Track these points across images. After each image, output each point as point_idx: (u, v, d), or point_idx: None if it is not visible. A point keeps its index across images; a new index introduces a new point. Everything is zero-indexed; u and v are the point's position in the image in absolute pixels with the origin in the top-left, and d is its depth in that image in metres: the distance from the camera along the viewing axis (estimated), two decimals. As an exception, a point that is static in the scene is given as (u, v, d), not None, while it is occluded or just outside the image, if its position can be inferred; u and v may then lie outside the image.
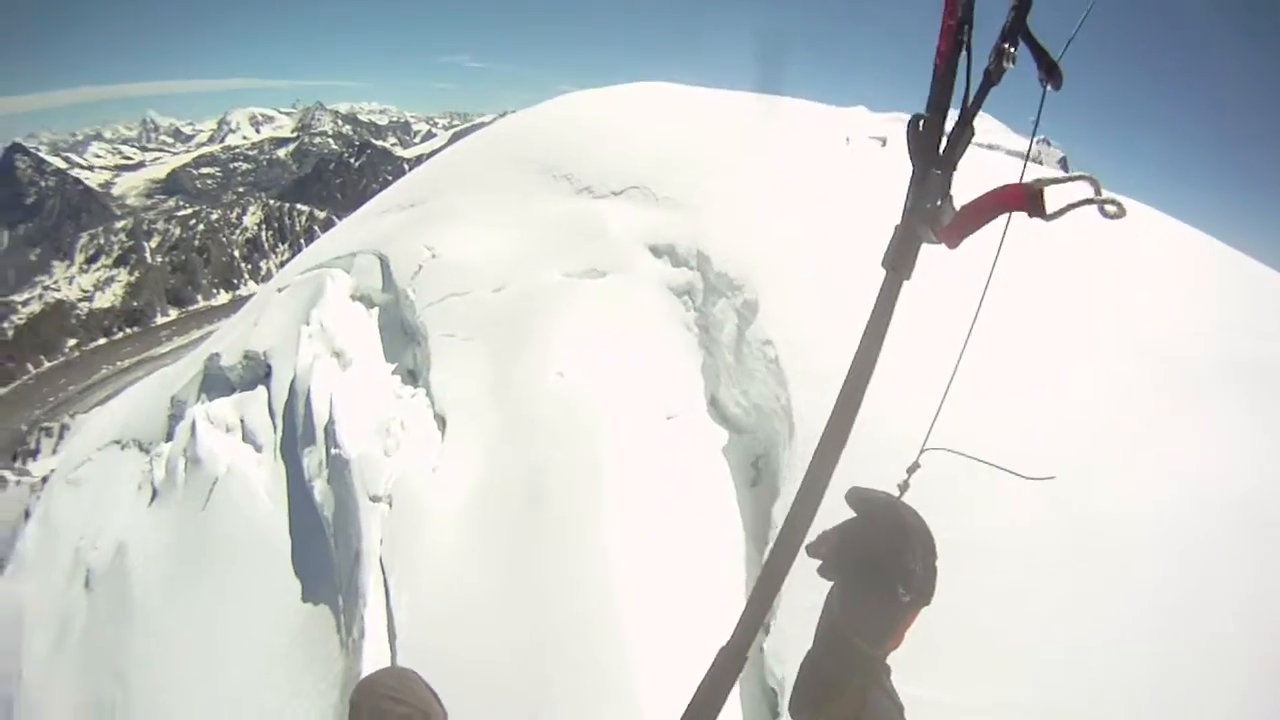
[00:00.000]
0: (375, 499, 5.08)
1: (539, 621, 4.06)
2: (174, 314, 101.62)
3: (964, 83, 0.72)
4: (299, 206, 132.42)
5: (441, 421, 5.73)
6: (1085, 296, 5.93)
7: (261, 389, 7.52)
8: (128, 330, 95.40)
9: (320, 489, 5.81)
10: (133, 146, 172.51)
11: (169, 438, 8.15)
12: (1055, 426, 4.56)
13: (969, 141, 0.76)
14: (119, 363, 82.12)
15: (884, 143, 9.38)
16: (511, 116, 14.21)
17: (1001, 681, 3.46)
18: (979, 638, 3.54)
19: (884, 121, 11.44)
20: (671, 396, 5.59)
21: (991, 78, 0.71)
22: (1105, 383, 5.00)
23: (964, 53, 0.71)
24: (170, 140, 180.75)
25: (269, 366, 7.56)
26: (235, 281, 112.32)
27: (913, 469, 0.93)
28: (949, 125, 0.75)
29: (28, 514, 10.78)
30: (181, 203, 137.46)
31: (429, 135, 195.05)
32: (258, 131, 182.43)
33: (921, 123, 0.76)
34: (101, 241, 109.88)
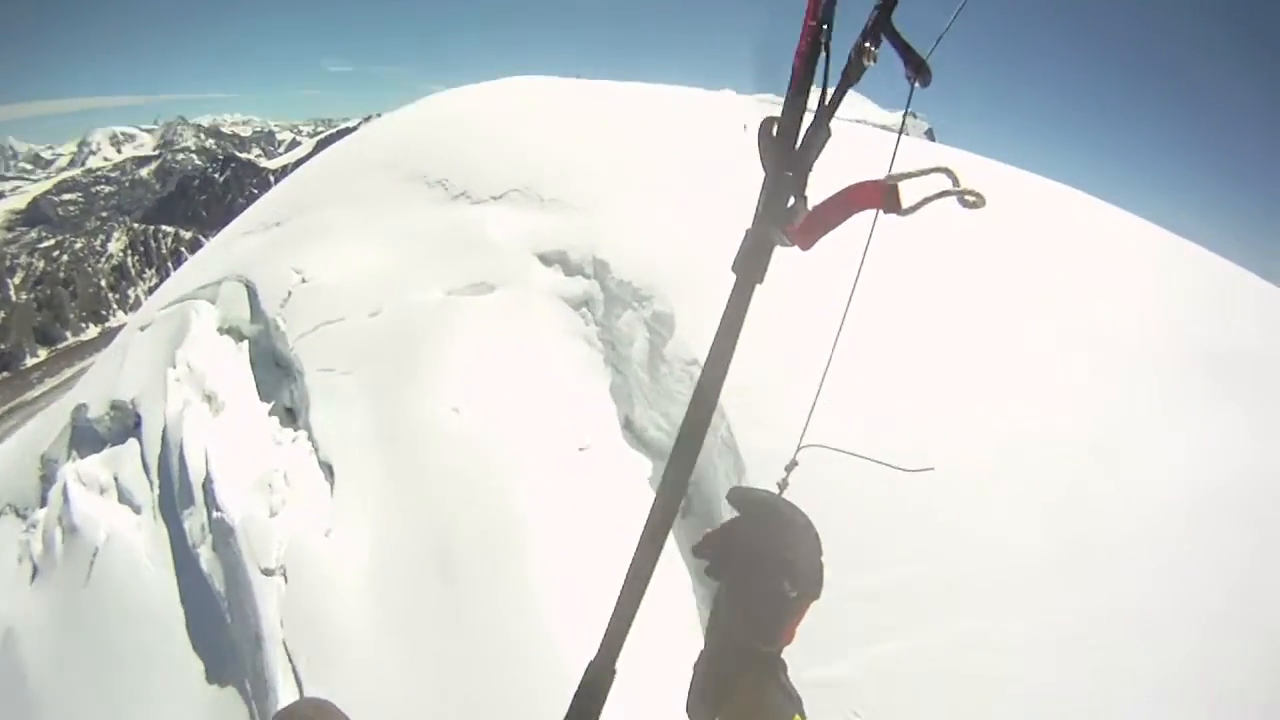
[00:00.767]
0: (268, 572, 4.61)
1: (478, 701, 3.70)
2: (43, 354, 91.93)
3: (822, 83, 0.71)
4: (164, 228, 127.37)
5: (328, 469, 5.22)
6: (1053, 294, 5.74)
7: (133, 441, 6.75)
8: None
9: (206, 557, 5.28)
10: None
11: (43, 503, 7.19)
12: (1036, 425, 4.48)
13: (825, 142, 0.74)
14: (-9, 414, 71.49)
15: (745, 128, 8.62)
16: (378, 120, 13.38)
17: (990, 677, 3.43)
18: (966, 637, 3.51)
19: (753, 103, 11.61)
20: (582, 424, 5.14)
21: (850, 78, 0.70)
22: (1080, 379, 4.87)
23: (823, 54, 0.70)
24: (30, 167, 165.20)
25: (138, 416, 6.80)
26: (104, 313, 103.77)
27: (791, 466, 0.92)
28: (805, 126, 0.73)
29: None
30: (44, 233, 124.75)
31: (294, 144, 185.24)
32: (119, 151, 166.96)
33: (775, 125, 0.74)
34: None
